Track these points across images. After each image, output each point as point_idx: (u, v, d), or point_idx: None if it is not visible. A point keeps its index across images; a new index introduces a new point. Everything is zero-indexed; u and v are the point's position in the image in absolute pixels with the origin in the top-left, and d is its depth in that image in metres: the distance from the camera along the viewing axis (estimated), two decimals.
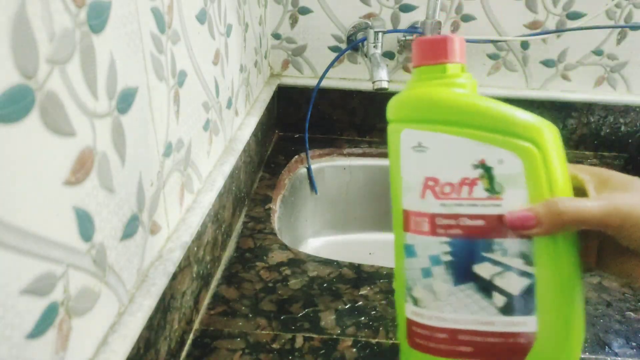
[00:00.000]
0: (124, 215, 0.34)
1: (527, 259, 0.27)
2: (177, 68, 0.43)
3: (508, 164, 0.26)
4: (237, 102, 0.68)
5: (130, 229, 0.35)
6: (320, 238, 0.96)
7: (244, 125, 0.72)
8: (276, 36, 0.92)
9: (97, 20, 0.29)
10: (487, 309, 0.27)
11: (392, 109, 0.30)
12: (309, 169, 0.90)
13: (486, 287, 0.27)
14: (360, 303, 0.54)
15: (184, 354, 0.47)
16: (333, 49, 0.92)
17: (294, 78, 0.96)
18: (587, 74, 0.93)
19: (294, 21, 0.91)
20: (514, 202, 0.27)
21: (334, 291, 0.56)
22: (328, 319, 0.52)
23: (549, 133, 0.28)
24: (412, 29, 0.87)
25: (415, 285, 0.29)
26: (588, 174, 0.29)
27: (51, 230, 0.26)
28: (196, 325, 0.50)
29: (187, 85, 0.46)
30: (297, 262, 0.61)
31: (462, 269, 0.27)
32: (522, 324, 0.27)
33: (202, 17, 0.49)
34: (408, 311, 0.30)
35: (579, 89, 0.94)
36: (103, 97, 0.30)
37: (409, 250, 0.29)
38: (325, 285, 0.57)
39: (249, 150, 0.73)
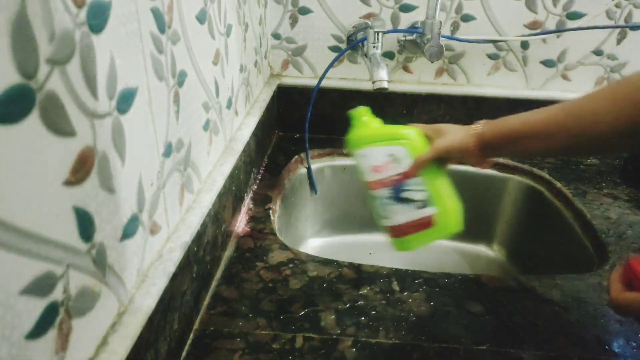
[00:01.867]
0: (124, 215, 0.34)
1: (420, 184, 0.54)
2: (177, 68, 0.43)
3: (400, 151, 0.54)
4: (237, 102, 0.68)
5: (130, 229, 0.35)
6: (320, 238, 0.96)
7: (243, 125, 0.72)
8: (276, 36, 0.92)
9: (97, 20, 0.29)
10: (413, 210, 0.54)
11: (349, 143, 0.59)
12: (309, 169, 0.90)
13: (407, 201, 0.55)
14: (360, 303, 0.54)
15: (184, 354, 0.47)
16: (333, 49, 0.92)
17: (294, 78, 0.96)
18: (587, 74, 0.93)
19: (294, 21, 0.91)
20: (406, 164, 0.54)
21: (334, 291, 0.56)
22: (328, 319, 0.52)
23: (414, 134, 0.55)
24: (412, 29, 0.87)
25: (381, 211, 0.57)
26: (431, 131, 0.55)
27: (51, 230, 0.26)
28: (196, 325, 0.50)
29: (187, 85, 0.46)
30: (297, 262, 0.61)
31: (397, 197, 0.55)
32: (429, 210, 0.54)
33: (202, 17, 0.49)
34: (383, 222, 0.58)
35: (579, 89, 0.94)
36: (103, 97, 0.30)
37: (375, 198, 0.57)
38: (325, 285, 0.57)
39: (249, 150, 0.73)
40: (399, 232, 0.56)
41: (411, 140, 0.55)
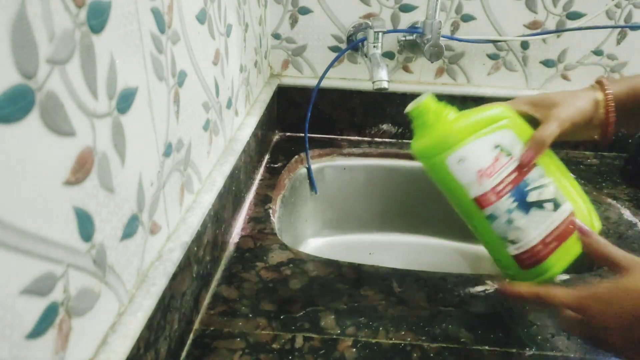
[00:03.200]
0: (124, 215, 0.34)
1: (543, 175, 0.41)
2: (177, 68, 0.43)
3: (508, 137, 0.41)
4: (237, 102, 0.68)
5: (130, 229, 0.35)
6: (320, 238, 0.96)
7: (243, 125, 0.72)
8: (276, 36, 0.92)
9: (97, 20, 0.29)
10: (546, 214, 0.41)
11: (424, 151, 0.43)
12: (309, 169, 0.90)
13: (539, 204, 0.41)
14: (360, 303, 0.54)
15: (183, 354, 0.47)
16: (333, 49, 0.92)
17: (294, 78, 0.96)
18: (587, 74, 0.93)
19: (294, 21, 0.91)
20: (518, 153, 0.41)
21: (334, 291, 0.56)
22: (328, 319, 0.52)
23: (507, 110, 0.43)
24: (412, 29, 0.87)
25: (506, 234, 0.42)
26: (526, 104, 0.44)
27: (51, 230, 0.26)
28: (196, 325, 0.50)
29: (187, 85, 0.46)
30: (297, 262, 0.61)
31: (523, 204, 0.41)
32: (566, 209, 0.41)
33: (202, 17, 0.49)
34: (511, 251, 0.42)
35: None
36: (103, 97, 0.30)
37: (492, 217, 0.42)
38: (325, 285, 0.57)
39: (249, 150, 0.73)
40: (539, 256, 0.41)
41: (511, 117, 0.42)
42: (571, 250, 0.41)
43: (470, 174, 0.40)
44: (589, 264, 0.69)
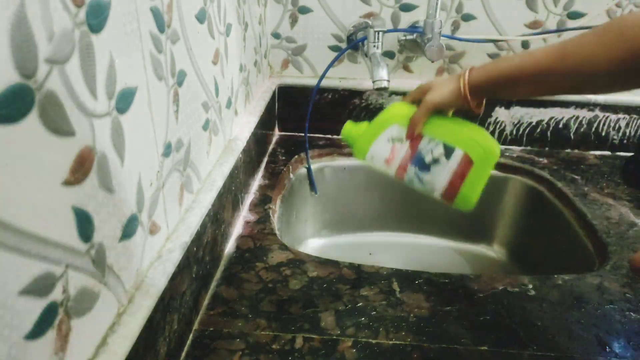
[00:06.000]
0: (123, 216, 0.34)
1: (431, 140, 0.54)
2: (177, 68, 0.43)
3: (395, 130, 0.55)
4: (236, 101, 0.68)
5: (129, 229, 0.35)
6: (320, 238, 0.96)
7: (243, 125, 0.72)
8: (276, 36, 0.92)
9: (97, 19, 0.29)
10: (445, 164, 0.53)
11: (359, 158, 0.59)
12: (309, 169, 0.90)
13: (435, 161, 0.53)
14: (360, 303, 0.54)
15: (183, 354, 0.46)
16: (333, 48, 0.92)
17: (293, 78, 0.95)
18: None
19: (293, 20, 0.90)
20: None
21: (334, 292, 0.56)
22: (328, 320, 0.52)
23: (399, 108, 0.55)
24: (413, 28, 0.86)
25: (424, 187, 0.56)
26: (420, 92, 0.54)
27: (50, 230, 0.26)
28: (195, 325, 0.50)
29: (187, 85, 0.46)
30: (297, 262, 0.61)
31: (423, 166, 0.54)
32: (457, 154, 0.52)
33: (201, 17, 0.49)
34: (436, 196, 0.56)
35: None
36: (102, 96, 0.30)
37: (410, 182, 0.57)
38: (325, 285, 0.57)
39: (249, 150, 0.72)
40: (452, 192, 0.54)
41: (398, 115, 0.55)
42: (474, 180, 0.52)
43: (382, 163, 0.56)
44: (589, 264, 0.69)
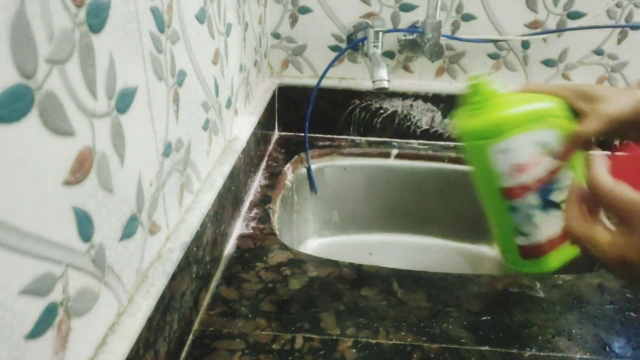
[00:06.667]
0: (123, 216, 0.34)
1: (570, 176, 0.41)
2: (177, 68, 0.43)
3: (552, 136, 0.41)
4: (236, 101, 0.68)
5: (129, 229, 0.35)
6: (320, 238, 0.96)
7: (243, 125, 0.72)
8: (276, 35, 0.92)
9: (97, 19, 0.29)
10: (559, 216, 0.40)
11: (469, 132, 0.42)
12: (309, 169, 0.90)
13: (558, 205, 0.41)
14: (360, 303, 0.54)
15: (183, 354, 0.46)
16: (333, 48, 0.92)
17: (293, 78, 0.95)
18: (588, 74, 0.93)
19: (293, 20, 0.90)
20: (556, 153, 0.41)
21: (334, 292, 0.56)
22: (328, 320, 0.52)
23: (559, 106, 0.41)
24: (413, 28, 0.86)
25: (522, 226, 0.43)
26: (569, 93, 0.41)
27: (50, 230, 0.26)
28: (196, 325, 0.50)
29: (187, 85, 0.46)
30: (297, 262, 0.61)
31: (546, 202, 0.41)
32: None
33: (201, 17, 0.49)
34: (519, 241, 0.44)
35: None
36: (102, 96, 0.30)
37: (513, 209, 0.42)
38: (325, 285, 0.57)
39: (249, 150, 0.72)
40: (542, 250, 0.43)
41: (560, 117, 0.40)
42: (571, 250, 0.42)
43: (507, 165, 0.40)
44: (589, 264, 0.69)
